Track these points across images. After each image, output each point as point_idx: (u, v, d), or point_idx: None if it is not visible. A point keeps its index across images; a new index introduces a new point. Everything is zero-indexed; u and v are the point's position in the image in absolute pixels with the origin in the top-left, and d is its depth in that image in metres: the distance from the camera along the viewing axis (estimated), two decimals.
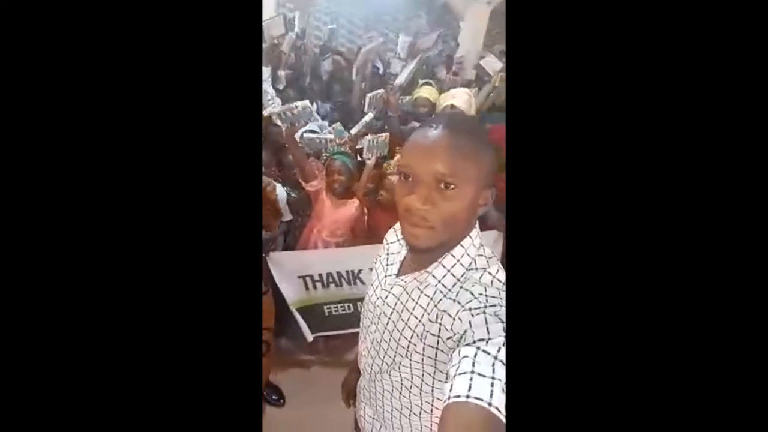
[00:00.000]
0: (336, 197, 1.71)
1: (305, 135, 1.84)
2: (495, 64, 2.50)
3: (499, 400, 0.41)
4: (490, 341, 0.47)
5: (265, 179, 1.11)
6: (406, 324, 0.61)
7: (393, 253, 0.70)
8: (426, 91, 2.18)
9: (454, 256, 0.58)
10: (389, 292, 0.65)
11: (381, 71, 2.88)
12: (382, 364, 0.67)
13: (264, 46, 2.14)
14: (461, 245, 0.58)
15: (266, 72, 2.10)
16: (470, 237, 0.59)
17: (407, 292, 0.62)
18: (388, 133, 1.80)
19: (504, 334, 0.48)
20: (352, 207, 1.74)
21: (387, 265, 0.70)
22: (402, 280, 0.63)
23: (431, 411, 0.64)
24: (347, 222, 1.74)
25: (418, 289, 0.60)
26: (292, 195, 1.81)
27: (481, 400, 0.41)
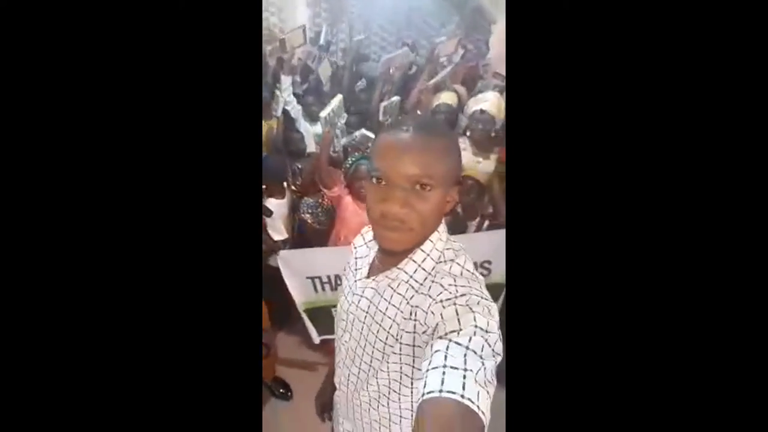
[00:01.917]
0: (361, 201, 1.74)
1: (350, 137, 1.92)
2: None
3: (472, 392, 0.41)
4: (461, 332, 0.47)
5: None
6: (380, 326, 0.60)
7: (361, 257, 0.70)
8: (448, 97, 2.16)
9: (423, 251, 0.58)
10: (361, 296, 0.64)
11: (402, 77, 2.89)
12: (359, 373, 0.65)
13: (285, 55, 2.23)
14: (430, 240, 0.59)
15: (287, 81, 2.18)
16: (437, 231, 0.59)
17: (379, 293, 0.61)
18: None
19: (474, 323, 0.48)
20: None
21: (356, 269, 0.69)
22: (373, 280, 0.62)
23: (411, 417, 0.62)
24: None
25: (390, 287, 0.60)
26: (312, 207, 1.86)
27: (454, 393, 0.41)
